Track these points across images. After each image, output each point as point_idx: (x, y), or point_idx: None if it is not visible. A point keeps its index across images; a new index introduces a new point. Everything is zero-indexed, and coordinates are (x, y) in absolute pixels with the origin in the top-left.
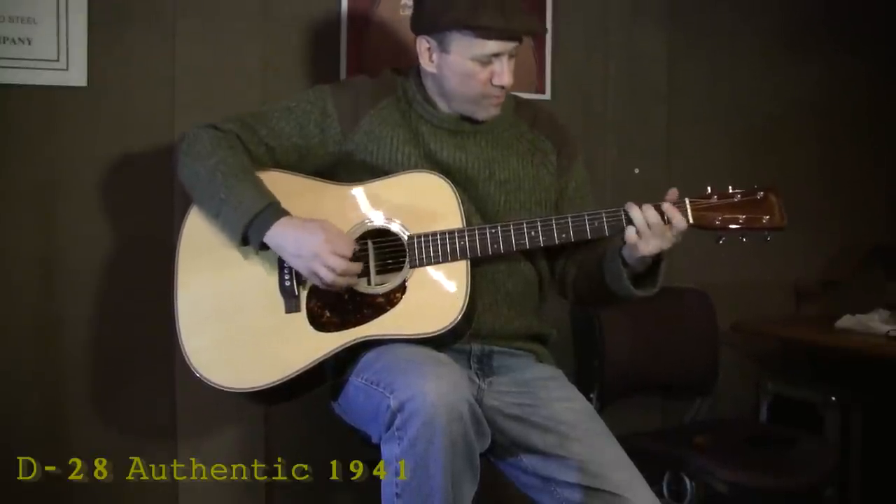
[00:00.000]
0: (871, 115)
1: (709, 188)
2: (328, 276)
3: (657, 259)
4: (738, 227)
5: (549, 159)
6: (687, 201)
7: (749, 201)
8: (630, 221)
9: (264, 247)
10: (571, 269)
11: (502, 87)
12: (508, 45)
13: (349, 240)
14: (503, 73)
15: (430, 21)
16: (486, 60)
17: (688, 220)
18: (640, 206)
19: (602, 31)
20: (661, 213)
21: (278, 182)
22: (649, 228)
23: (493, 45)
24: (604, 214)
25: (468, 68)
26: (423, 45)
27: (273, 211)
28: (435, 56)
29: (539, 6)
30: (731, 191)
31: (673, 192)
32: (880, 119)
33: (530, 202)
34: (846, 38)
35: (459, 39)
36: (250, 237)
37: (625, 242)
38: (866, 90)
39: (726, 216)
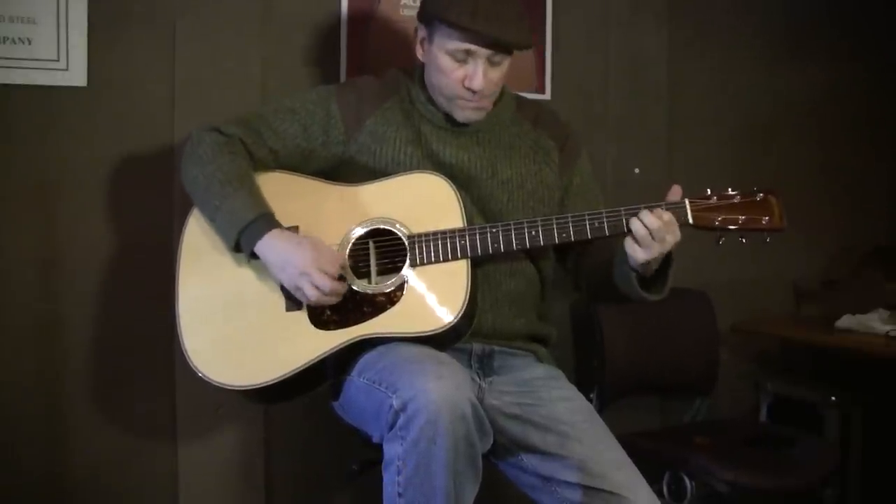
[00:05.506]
0: (872, 116)
1: (709, 190)
2: (313, 294)
3: (666, 261)
4: (737, 227)
5: (552, 157)
6: (686, 202)
7: (749, 202)
8: (629, 231)
9: (255, 256)
10: (584, 264)
11: (474, 92)
12: (481, 49)
13: (337, 260)
14: (475, 75)
15: (424, 9)
16: (460, 58)
17: (688, 221)
18: (638, 216)
19: (602, 31)
20: (660, 217)
21: (280, 183)
22: (651, 236)
23: (463, 44)
24: (604, 214)
25: (443, 63)
26: (419, 33)
27: (264, 222)
28: (425, 45)
29: (539, 5)
30: (730, 192)
31: (676, 191)
32: (880, 119)
33: (533, 201)
34: (847, 38)
35: (438, 31)
36: (242, 246)
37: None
38: (867, 90)
39: (726, 217)
